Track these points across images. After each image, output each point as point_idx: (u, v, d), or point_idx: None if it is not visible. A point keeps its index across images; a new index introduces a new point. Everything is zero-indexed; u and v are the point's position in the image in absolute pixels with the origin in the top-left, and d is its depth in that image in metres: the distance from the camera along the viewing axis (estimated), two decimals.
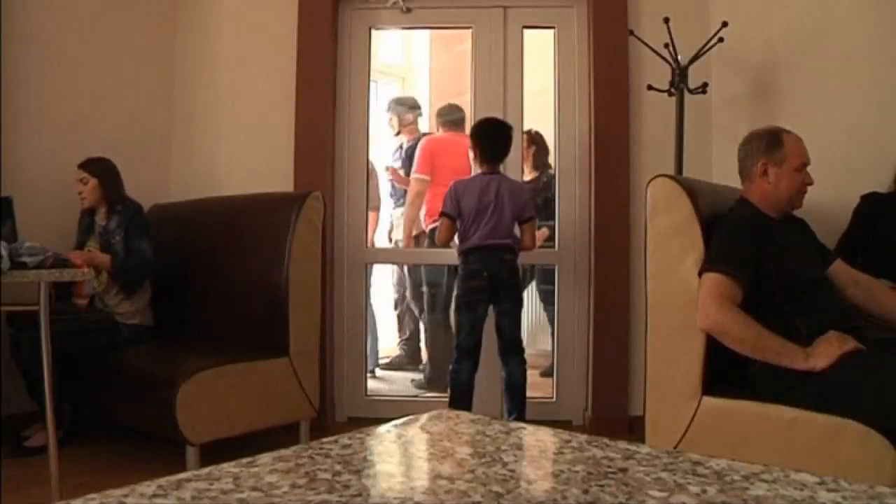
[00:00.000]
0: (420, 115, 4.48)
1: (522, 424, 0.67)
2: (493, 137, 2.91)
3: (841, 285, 2.05)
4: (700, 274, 1.89)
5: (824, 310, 1.88)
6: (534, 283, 4.24)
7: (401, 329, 4.48)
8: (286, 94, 3.26)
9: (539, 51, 3.57)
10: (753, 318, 1.80)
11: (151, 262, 2.84)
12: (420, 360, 4.35)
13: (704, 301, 1.84)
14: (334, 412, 3.26)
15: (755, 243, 1.91)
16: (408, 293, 4.33)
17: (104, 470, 2.54)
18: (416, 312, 4.31)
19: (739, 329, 1.81)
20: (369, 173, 3.53)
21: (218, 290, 2.93)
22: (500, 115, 3.20)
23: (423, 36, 5.20)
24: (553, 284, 3.41)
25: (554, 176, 3.53)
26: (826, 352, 1.72)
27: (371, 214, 4.14)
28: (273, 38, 3.30)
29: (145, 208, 3.27)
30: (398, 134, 4.34)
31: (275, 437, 2.62)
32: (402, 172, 4.22)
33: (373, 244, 4.19)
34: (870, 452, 1.60)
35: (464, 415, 0.68)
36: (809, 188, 2.09)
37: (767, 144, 2.04)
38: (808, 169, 2.06)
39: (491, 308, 2.86)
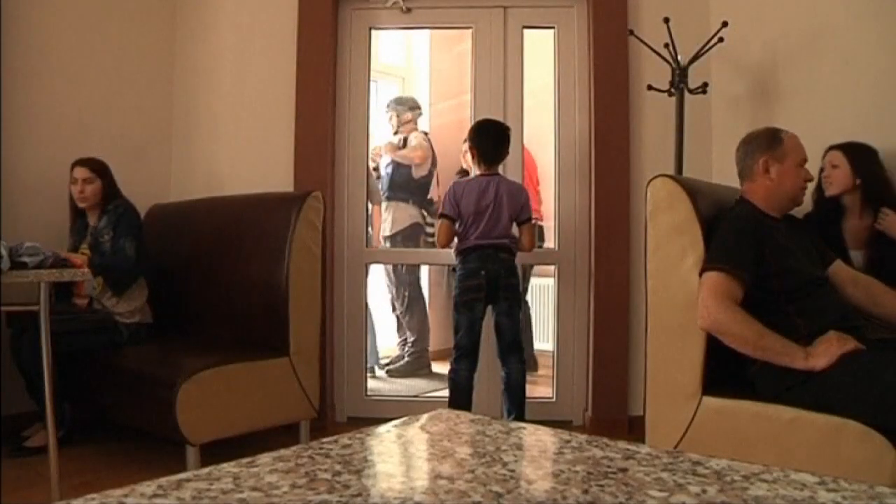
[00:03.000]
0: (420, 115, 4.49)
1: (522, 424, 0.67)
2: (491, 139, 2.91)
3: (840, 285, 2.05)
4: (700, 273, 1.89)
5: (824, 309, 1.88)
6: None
7: (400, 330, 4.48)
8: (286, 94, 3.26)
9: (539, 51, 3.57)
10: (754, 317, 1.80)
11: (132, 260, 2.79)
12: (429, 366, 4.36)
13: (705, 300, 1.84)
14: (334, 412, 3.26)
15: (755, 242, 1.91)
16: (393, 291, 4.36)
17: (104, 470, 2.54)
18: (401, 311, 4.34)
19: (740, 328, 1.80)
20: (369, 171, 3.53)
21: (218, 291, 2.93)
22: (500, 116, 3.20)
23: (423, 36, 5.20)
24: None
25: None
26: (826, 352, 1.72)
27: (375, 209, 4.17)
28: (273, 38, 3.30)
29: (145, 208, 3.28)
30: (397, 133, 4.36)
31: (275, 437, 2.63)
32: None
33: (379, 240, 4.21)
34: (870, 452, 1.60)
35: (464, 415, 0.68)
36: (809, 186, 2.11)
37: (768, 142, 2.05)
38: (807, 167, 2.08)
39: (490, 309, 2.87)
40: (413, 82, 5.40)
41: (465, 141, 4.36)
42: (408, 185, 4.26)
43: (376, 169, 4.31)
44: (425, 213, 4.29)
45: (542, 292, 4.43)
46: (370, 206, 3.61)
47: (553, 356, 3.38)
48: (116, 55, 3.39)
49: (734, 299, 1.83)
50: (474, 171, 2.97)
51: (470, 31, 3.39)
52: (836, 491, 0.48)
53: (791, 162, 2.03)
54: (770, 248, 1.92)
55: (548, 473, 0.55)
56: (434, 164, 4.36)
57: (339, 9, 3.35)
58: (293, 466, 0.51)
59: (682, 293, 1.93)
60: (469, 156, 3.02)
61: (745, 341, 1.81)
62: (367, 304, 3.62)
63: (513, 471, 0.52)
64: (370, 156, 4.20)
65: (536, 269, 4.14)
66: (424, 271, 4.65)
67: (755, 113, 3.03)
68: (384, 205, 4.28)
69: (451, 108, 4.91)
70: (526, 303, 4.09)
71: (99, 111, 3.32)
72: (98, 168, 2.89)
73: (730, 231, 1.94)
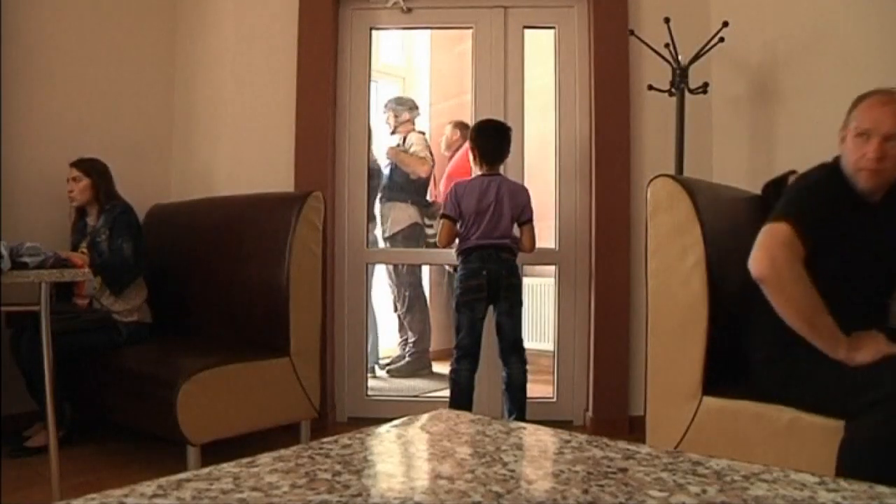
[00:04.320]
0: (418, 115, 4.49)
1: (522, 424, 0.67)
2: (492, 139, 2.92)
3: None
4: (767, 222, 1.69)
5: (853, 304, 1.70)
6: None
7: (401, 330, 4.48)
8: (286, 94, 3.26)
9: (539, 51, 3.57)
10: None
11: (129, 260, 2.80)
12: (429, 366, 4.36)
13: (772, 248, 1.62)
14: (334, 412, 3.26)
15: (830, 211, 1.69)
16: (395, 291, 4.36)
17: (104, 470, 2.54)
18: (402, 311, 4.34)
19: (801, 293, 1.61)
20: (370, 172, 3.53)
21: (218, 291, 2.93)
22: (500, 116, 3.20)
23: (423, 36, 5.20)
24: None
25: None
26: (869, 347, 1.60)
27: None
28: (273, 38, 3.30)
29: (146, 208, 3.28)
30: (394, 132, 4.36)
31: (275, 437, 2.63)
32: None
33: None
34: None
35: (464, 415, 0.68)
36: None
37: (850, 107, 1.79)
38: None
39: (491, 309, 2.87)
40: (413, 82, 5.40)
41: (452, 139, 4.38)
42: (406, 185, 4.26)
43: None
44: (423, 215, 4.28)
45: (540, 292, 4.42)
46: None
47: (553, 356, 3.38)
48: (117, 55, 3.40)
49: (801, 258, 1.62)
50: (475, 171, 2.97)
51: (470, 31, 3.39)
52: (836, 491, 0.48)
53: (851, 131, 1.75)
54: (839, 224, 1.70)
55: (548, 473, 0.55)
56: (432, 164, 4.36)
57: (339, 9, 3.35)
58: (293, 466, 0.51)
59: (682, 293, 1.93)
60: (469, 155, 3.02)
61: (797, 308, 1.63)
62: (369, 304, 3.62)
63: (513, 471, 0.52)
64: (387, 155, 4.24)
65: (526, 269, 4.13)
66: (426, 271, 4.65)
67: (755, 113, 3.03)
68: (383, 205, 4.28)
69: (452, 108, 4.92)
70: None
71: (99, 111, 3.32)
72: (87, 168, 2.90)
73: (810, 188, 1.73)
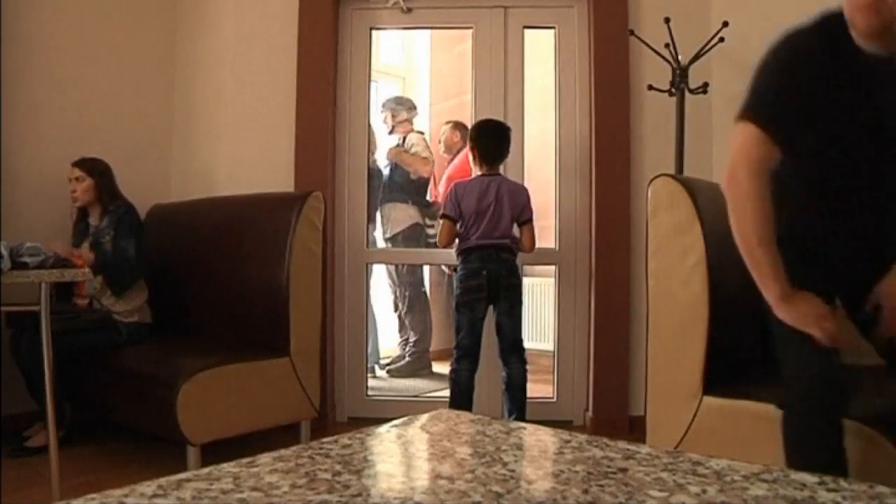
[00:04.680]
0: (416, 115, 4.49)
1: (522, 424, 0.67)
2: (492, 139, 2.92)
3: None
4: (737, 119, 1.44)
5: (860, 231, 1.42)
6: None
7: (402, 330, 4.48)
8: (286, 94, 3.26)
9: (539, 51, 3.57)
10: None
11: (132, 261, 2.81)
12: (429, 366, 4.35)
13: (735, 162, 1.39)
14: (335, 412, 3.26)
15: (809, 89, 1.36)
16: (396, 291, 4.37)
17: (104, 470, 2.54)
18: (403, 311, 4.34)
19: (755, 217, 1.37)
20: (370, 172, 3.53)
21: (218, 291, 2.93)
22: (500, 116, 3.20)
23: (423, 36, 5.20)
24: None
25: None
26: (798, 312, 1.37)
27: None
28: (273, 38, 3.30)
29: (146, 208, 3.28)
30: (392, 132, 4.36)
31: (275, 437, 2.63)
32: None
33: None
34: (870, 452, 1.60)
35: (464, 415, 0.68)
36: None
37: None
38: None
39: (491, 309, 2.87)
40: (413, 82, 5.40)
41: (452, 140, 4.38)
42: (406, 185, 4.26)
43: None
44: (424, 215, 4.28)
45: (540, 292, 4.42)
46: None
47: (553, 356, 3.38)
48: (117, 55, 3.40)
49: (767, 168, 1.37)
50: (475, 171, 2.97)
51: (470, 31, 3.39)
52: (836, 491, 0.48)
53: None
54: (830, 100, 1.35)
55: (548, 473, 0.55)
56: (432, 164, 4.37)
57: (339, 9, 3.35)
58: (293, 466, 0.51)
59: (682, 293, 1.93)
60: (469, 155, 3.02)
61: (743, 230, 1.39)
62: (369, 304, 3.62)
63: (513, 471, 0.52)
64: (388, 155, 4.24)
65: (526, 269, 4.13)
66: (426, 271, 4.65)
67: None
68: (382, 205, 4.28)
69: (452, 108, 4.92)
70: None
71: (99, 111, 3.32)
72: (89, 168, 2.89)
73: (778, 68, 1.42)
